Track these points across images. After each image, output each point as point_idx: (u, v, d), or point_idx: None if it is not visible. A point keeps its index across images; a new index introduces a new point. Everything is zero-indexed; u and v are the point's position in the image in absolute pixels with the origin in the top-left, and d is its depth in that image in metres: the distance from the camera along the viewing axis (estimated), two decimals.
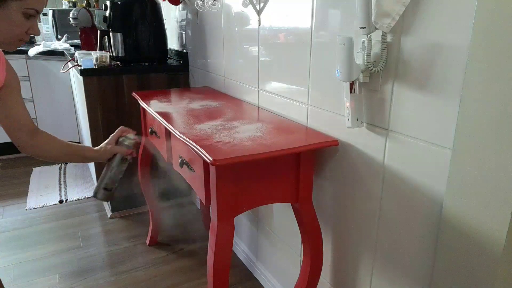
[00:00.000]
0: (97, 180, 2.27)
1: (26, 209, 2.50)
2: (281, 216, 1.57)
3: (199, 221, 2.36)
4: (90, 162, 1.32)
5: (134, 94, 1.84)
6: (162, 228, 2.22)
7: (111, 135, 1.24)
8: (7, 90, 1.05)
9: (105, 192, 1.20)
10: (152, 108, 1.55)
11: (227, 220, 1.12)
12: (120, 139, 1.23)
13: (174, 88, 2.31)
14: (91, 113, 2.17)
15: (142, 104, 1.67)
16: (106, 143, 1.22)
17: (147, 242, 2.11)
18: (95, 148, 1.20)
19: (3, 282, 1.27)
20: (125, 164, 1.22)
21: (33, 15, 0.90)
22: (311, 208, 1.25)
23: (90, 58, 2.16)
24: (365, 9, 0.89)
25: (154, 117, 1.50)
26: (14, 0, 0.86)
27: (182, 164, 1.30)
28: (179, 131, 1.23)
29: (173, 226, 2.31)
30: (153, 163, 1.98)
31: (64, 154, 1.15)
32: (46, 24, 3.53)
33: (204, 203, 1.18)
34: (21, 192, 2.73)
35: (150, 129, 1.70)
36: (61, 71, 2.34)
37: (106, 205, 2.52)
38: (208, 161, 1.00)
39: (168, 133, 1.48)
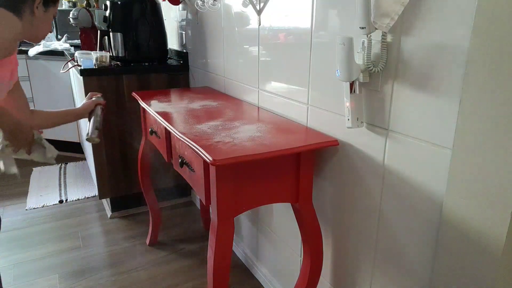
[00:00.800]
0: (97, 179, 2.27)
1: (26, 209, 2.50)
2: (281, 216, 1.57)
3: (199, 221, 2.36)
4: (79, 118, 1.60)
5: (134, 94, 1.84)
6: (162, 228, 2.23)
7: (84, 100, 1.60)
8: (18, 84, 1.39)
9: (97, 131, 1.52)
10: (152, 108, 1.55)
11: (227, 220, 1.12)
12: (94, 98, 1.60)
13: (174, 88, 2.31)
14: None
15: (142, 104, 1.67)
16: (84, 103, 1.59)
17: (147, 242, 2.11)
18: (78, 107, 1.58)
19: (3, 282, 1.26)
20: (102, 112, 1.59)
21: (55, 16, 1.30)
22: (311, 208, 1.25)
23: (90, 58, 2.16)
24: (364, 9, 0.89)
25: (154, 117, 1.50)
26: (54, 6, 1.26)
27: (182, 164, 1.30)
28: (179, 131, 1.23)
29: (173, 226, 2.31)
30: (153, 163, 1.98)
31: (56, 117, 1.51)
32: None
33: (204, 203, 1.18)
34: (21, 192, 2.73)
35: (150, 129, 1.71)
36: (61, 71, 2.34)
37: (106, 205, 2.52)
38: (208, 161, 1.00)
39: (168, 133, 1.48)
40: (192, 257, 2.00)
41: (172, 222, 2.35)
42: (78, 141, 3.38)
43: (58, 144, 1.70)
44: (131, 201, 2.46)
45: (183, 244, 2.12)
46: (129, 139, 2.28)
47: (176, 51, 2.55)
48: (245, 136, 1.18)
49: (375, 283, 1.13)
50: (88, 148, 2.54)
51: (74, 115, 1.56)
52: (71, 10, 2.73)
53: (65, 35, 3.35)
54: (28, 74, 3.28)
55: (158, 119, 1.43)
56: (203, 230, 2.26)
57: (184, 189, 2.63)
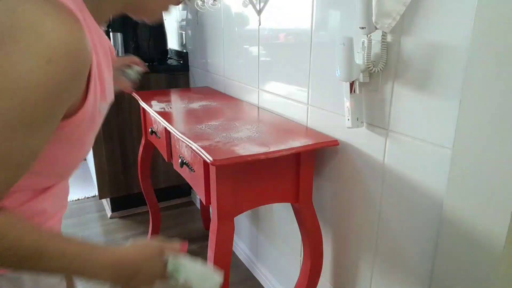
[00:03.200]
0: (97, 179, 2.27)
1: None
2: (281, 216, 1.57)
3: (199, 221, 2.36)
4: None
5: (134, 94, 1.84)
6: (162, 228, 2.22)
7: (121, 58, 1.21)
8: None
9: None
10: (152, 108, 1.55)
11: (227, 220, 1.12)
12: (127, 70, 1.18)
13: (174, 88, 2.31)
14: None
15: (142, 104, 1.67)
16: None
17: None
18: None
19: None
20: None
21: None
22: (311, 208, 1.25)
23: None
24: (365, 9, 0.89)
25: (154, 117, 1.50)
26: None
27: (182, 164, 1.30)
28: (179, 131, 1.23)
29: (173, 226, 2.31)
30: (153, 163, 1.98)
31: None
32: None
33: (204, 203, 1.18)
34: None
35: (150, 129, 1.71)
36: None
37: (106, 205, 2.52)
38: (208, 161, 1.00)
39: (168, 133, 1.48)
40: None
41: (172, 222, 2.35)
42: None
43: None
44: (131, 201, 2.46)
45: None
46: (129, 139, 2.28)
47: (176, 51, 2.55)
48: (245, 136, 1.18)
49: (375, 283, 1.13)
50: None
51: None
52: None
53: None
54: None
55: (158, 119, 1.43)
56: (203, 230, 2.26)
57: (184, 189, 2.63)
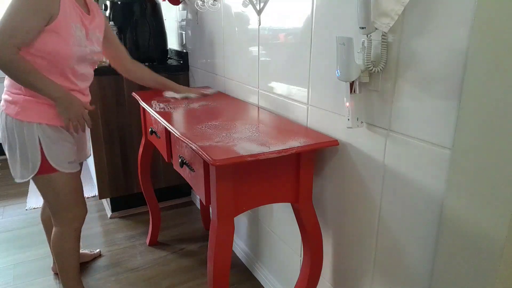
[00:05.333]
0: (97, 179, 2.27)
1: (26, 209, 2.50)
2: (281, 216, 1.58)
3: (199, 221, 2.36)
4: (170, 90, 1.75)
5: (134, 94, 1.84)
6: (162, 228, 2.23)
7: (193, 88, 1.87)
8: (109, 30, 1.56)
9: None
10: (152, 108, 1.55)
11: (227, 220, 1.12)
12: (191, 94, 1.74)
13: None
14: (90, 113, 2.16)
15: (142, 104, 1.67)
16: (189, 88, 1.83)
17: (147, 242, 2.11)
18: (179, 85, 1.77)
19: (2, 282, 1.36)
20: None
21: None
22: (311, 208, 1.25)
23: None
24: (364, 9, 0.89)
25: (154, 117, 1.50)
26: None
27: (182, 164, 1.30)
28: (179, 131, 1.23)
29: (173, 226, 2.31)
30: (153, 163, 1.98)
31: (153, 81, 1.74)
32: None
33: (204, 203, 1.18)
34: (21, 192, 2.73)
35: (150, 129, 1.71)
36: None
37: (106, 205, 2.52)
38: (208, 161, 1.00)
39: (168, 133, 1.48)
40: (192, 257, 2.00)
41: (172, 222, 2.35)
42: None
43: None
44: (131, 201, 2.46)
45: (183, 244, 2.12)
46: (129, 139, 2.28)
47: (176, 51, 2.55)
48: (245, 136, 1.18)
49: (375, 282, 1.13)
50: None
51: (168, 87, 1.74)
52: None
53: None
54: None
55: (158, 119, 1.43)
56: (203, 230, 2.26)
57: (184, 189, 2.63)
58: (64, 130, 1.41)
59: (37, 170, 1.37)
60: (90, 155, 1.68)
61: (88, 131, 1.63)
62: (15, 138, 1.35)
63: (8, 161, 1.42)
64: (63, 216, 1.47)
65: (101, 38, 1.49)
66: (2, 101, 1.37)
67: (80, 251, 1.84)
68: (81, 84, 1.44)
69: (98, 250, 2.02)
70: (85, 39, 1.37)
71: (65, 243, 1.50)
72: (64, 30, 1.28)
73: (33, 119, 1.33)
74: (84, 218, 1.54)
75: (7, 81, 1.36)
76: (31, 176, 1.38)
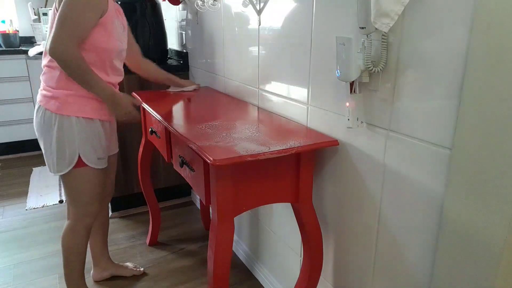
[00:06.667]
0: None
1: (26, 209, 2.50)
2: (281, 216, 1.58)
3: (199, 221, 2.36)
4: (174, 85, 1.94)
5: (134, 94, 1.84)
6: (162, 228, 2.23)
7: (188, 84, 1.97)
8: (129, 28, 1.62)
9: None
10: (152, 108, 1.55)
11: (227, 220, 1.12)
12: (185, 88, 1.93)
13: None
14: None
15: (142, 104, 1.67)
16: (187, 81, 1.99)
17: (147, 242, 2.11)
18: (181, 79, 1.94)
19: (2, 282, 1.35)
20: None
21: None
22: (311, 208, 1.25)
23: None
24: (364, 9, 0.89)
25: (154, 117, 1.50)
26: None
27: (182, 164, 1.30)
28: (179, 131, 1.23)
29: (173, 226, 2.31)
30: (153, 163, 1.97)
31: (162, 75, 1.88)
32: (46, 24, 3.53)
33: (204, 203, 1.18)
34: (21, 192, 2.73)
35: (150, 129, 1.71)
36: None
37: None
38: (208, 161, 1.00)
39: (168, 133, 1.48)
40: (192, 257, 2.00)
41: (172, 222, 2.35)
42: None
43: None
44: (131, 201, 2.46)
45: (183, 244, 2.12)
46: (129, 139, 2.28)
47: (176, 51, 2.55)
48: (245, 136, 1.18)
49: (375, 282, 1.13)
50: None
51: (173, 82, 1.91)
52: None
53: None
54: (28, 74, 3.27)
55: (158, 119, 1.43)
56: (203, 230, 2.26)
57: (184, 189, 2.63)
58: (99, 125, 1.46)
59: (74, 163, 1.40)
60: (117, 150, 1.69)
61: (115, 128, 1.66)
62: (54, 132, 1.38)
63: (44, 155, 1.44)
64: (79, 210, 1.49)
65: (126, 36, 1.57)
66: (41, 97, 1.42)
67: (123, 263, 1.87)
68: (117, 79, 1.51)
69: (142, 269, 1.88)
70: (122, 35, 1.48)
71: (75, 238, 1.52)
72: (110, 25, 1.37)
73: (72, 113, 1.38)
74: (97, 215, 1.58)
75: (44, 76, 1.41)
76: (68, 170, 1.41)
